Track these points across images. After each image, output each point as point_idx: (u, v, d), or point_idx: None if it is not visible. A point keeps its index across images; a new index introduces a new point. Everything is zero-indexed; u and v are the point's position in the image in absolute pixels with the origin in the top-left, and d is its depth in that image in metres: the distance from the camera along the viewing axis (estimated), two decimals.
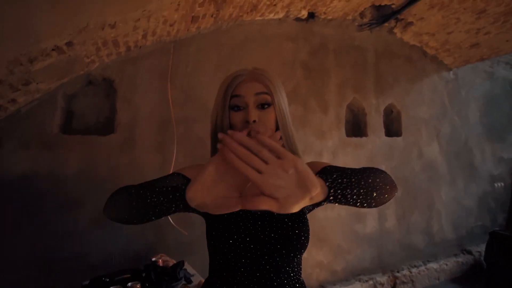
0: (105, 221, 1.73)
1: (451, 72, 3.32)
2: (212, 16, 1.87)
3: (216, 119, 0.75)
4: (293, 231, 0.68)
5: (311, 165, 0.73)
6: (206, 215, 0.75)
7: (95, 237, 1.72)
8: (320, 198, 0.51)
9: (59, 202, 1.66)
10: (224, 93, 0.73)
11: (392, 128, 2.99)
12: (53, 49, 1.26)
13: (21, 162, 1.60)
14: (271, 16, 2.22)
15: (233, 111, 0.72)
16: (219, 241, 0.68)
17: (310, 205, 0.73)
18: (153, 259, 1.56)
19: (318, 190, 0.45)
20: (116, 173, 1.80)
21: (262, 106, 0.71)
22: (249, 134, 0.66)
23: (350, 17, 2.54)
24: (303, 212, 0.72)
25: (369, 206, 0.61)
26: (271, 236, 0.68)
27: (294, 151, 0.76)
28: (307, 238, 0.69)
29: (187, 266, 1.62)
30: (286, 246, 0.67)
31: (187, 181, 0.68)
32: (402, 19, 2.63)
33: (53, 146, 1.68)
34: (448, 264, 2.95)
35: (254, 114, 0.69)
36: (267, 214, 0.70)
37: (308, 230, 0.71)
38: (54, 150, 1.68)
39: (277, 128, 0.74)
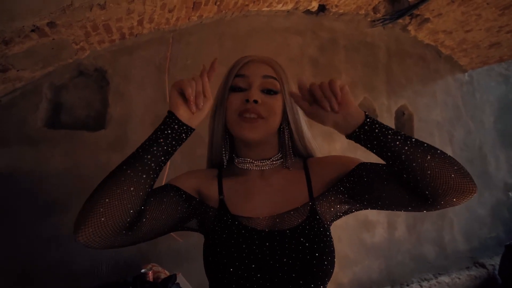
0: None
1: (466, 74, 3.16)
2: (215, 3, 1.71)
3: (216, 103, 0.63)
4: (312, 254, 0.52)
5: (337, 158, 0.66)
6: (206, 233, 0.61)
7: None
8: (353, 118, 0.49)
9: (41, 204, 1.50)
10: (228, 74, 0.62)
11: (404, 131, 2.81)
12: (32, 30, 1.10)
13: None
14: (279, 7, 2.06)
15: (233, 92, 0.60)
16: (217, 270, 0.52)
17: (343, 206, 0.62)
18: (143, 270, 1.39)
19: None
20: (105, 172, 1.61)
21: (269, 91, 0.60)
22: (243, 115, 0.58)
23: (362, 12, 2.38)
24: (324, 228, 0.56)
25: (422, 183, 0.45)
26: (283, 262, 0.51)
27: (307, 148, 0.67)
28: (331, 263, 0.53)
29: (180, 279, 1.46)
30: (303, 274, 0.51)
31: (186, 196, 0.60)
32: (418, 15, 2.47)
33: (35, 141, 1.52)
34: (460, 278, 2.77)
35: (256, 94, 0.58)
36: (277, 232, 0.54)
37: (333, 251, 0.55)
38: (36, 145, 1.52)
39: (282, 122, 0.63)
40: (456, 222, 2.94)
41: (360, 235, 2.42)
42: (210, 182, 0.64)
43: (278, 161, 0.64)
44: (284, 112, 0.62)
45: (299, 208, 0.58)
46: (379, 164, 0.55)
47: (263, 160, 0.63)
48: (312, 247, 0.52)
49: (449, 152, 2.91)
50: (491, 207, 3.20)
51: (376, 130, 0.48)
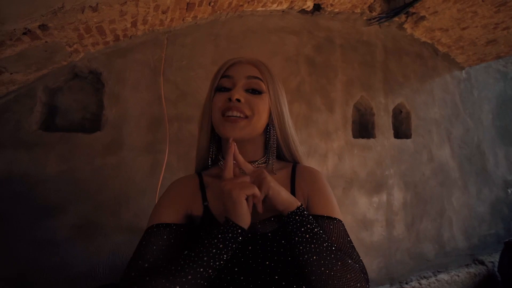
0: (89, 228, 1.57)
1: (464, 71, 3.15)
2: (209, 4, 1.71)
3: (204, 104, 0.65)
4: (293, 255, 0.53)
5: (323, 194, 0.64)
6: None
7: (77, 246, 1.55)
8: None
9: (36, 207, 1.50)
10: (215, 75, 0.63)
11: (401, 129, 2.81)
12: (24, 33, 1.09)
13: None
14: (274, 6, 2.06)
15: (219, 92, 0.61)
16: None
17: None
18: None
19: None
20: (101, 175, 1.63)
21: (253, 91, 0.61)
22: (225, 114, 0.58)
23: (358, 10, 2.37)
24: None
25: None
26: (266, 265, 0.52)
27: (292, 151, 0.66)
28: None
29: None
30: (286, 276, 0.52)
31: (176, 227, 0.57)
32: (414, 13, 2.46)
33: (31, 145, 1.52)
34: (459, 276, 2.77)
35: (239, 93, 0.59)
36: (260, 236, 0.55)
37: None
38: (32, 149, 1.52)
39: (269, 123, 0.64)
40: (455, 220, 2.94)
41: (359, 234, 2.42)
42: (194, 194, 0.63)
43: (263, 165, 0.64)
44: (270, 114, 0.62)
45: (279, 215, 0.58)
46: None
47: (249, 162, 0.62)
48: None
49: (447, 149, 2.92)
50: (490, 204, 3.19)
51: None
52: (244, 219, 0.49)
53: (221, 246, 0.47)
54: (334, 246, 0.51)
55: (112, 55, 1.72)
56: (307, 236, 0.50)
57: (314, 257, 0.48)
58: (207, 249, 0.47)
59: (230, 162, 0.53)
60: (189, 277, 0.45)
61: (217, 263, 0.47)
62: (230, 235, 0.48)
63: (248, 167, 0.55)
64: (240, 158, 0.54)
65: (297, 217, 0.51)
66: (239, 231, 0.48)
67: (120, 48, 1.72)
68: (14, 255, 1.44)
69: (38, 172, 1.52)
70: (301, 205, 0.53)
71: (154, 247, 0.53)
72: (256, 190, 0.50)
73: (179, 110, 1.85)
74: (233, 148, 0.53)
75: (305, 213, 0.53)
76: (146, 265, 0.50)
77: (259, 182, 0.51)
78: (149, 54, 1.81)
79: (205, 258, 0.46)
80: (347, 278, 0.48)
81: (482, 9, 2.18)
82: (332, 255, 0.49)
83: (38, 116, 1.56)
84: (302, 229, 0.50)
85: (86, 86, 1.77)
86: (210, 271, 0.46)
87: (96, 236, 1.58)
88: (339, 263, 0.49)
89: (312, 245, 0.49)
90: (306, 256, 0.49)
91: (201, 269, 0.46)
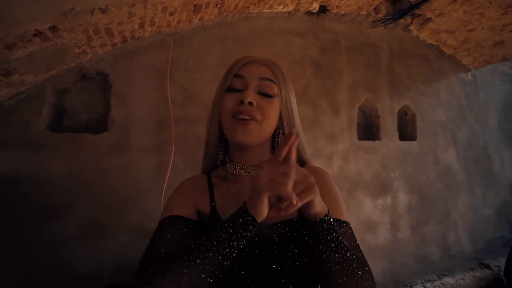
0: (94, 229, 1.58)
1: (470, 74, 3.13)
2: (216, 6, 1.71)
3: (213, 104, 0.63)
4: (301, 259, 0.53)
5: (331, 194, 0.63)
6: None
7: (83, 247, 1.56)
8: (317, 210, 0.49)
9: (42, 207, 1.51)
10: (226, 74, 0.61)
11: (406, 131, 2.80)
12: (34, 35, 1.11)
13: (2, 162, 1.45)
14: (280, 8, 2.06)
15: (229, 93, 0.59)
16: None
17: None
18: None
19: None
20: (107, 176, 1.64)
21: (265, 94, 0.59)
22: (236, 116, 0.56)
23: (364, 12, 2.37)
24: None
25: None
26: (273, 268, 0.52)
27: (300, 153, 0.66)
28: None
29: None
30: (293, 280, 0.52)
31: (190, 222, 0.57)
32: (420, 15, 2.45)
33: (38, 145, 1.53)
34: (465, 279, 2.74)
35: (252, 96, 0.57)
36: (266, 240, 0.55)
37: None
38: (39, 149, 1.53)
39: (278, 127, 0.62)
40: (460, 223, 2.91)
41: (363, 236, 2.41)
42: (202, 193, 0.62)
43: None
44: (280, 117, 0.61)
45: (285, 220, 0.57)
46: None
47: (255, 167, 0.61)
48: (301, 253, 0.53)
49: (452, 152, 2.90)
50: (496, 207, 3.16)
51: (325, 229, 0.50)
52: (259, 213, 0.46)
53: (231, 231, 0.46)
54: (354, 255, 0.50)
55: (119, 57, 1.73)
56: (333, 245, 0.48)
57: (338, 267, 0.47)
58: (217, 233, 0.47)
59: (284, 151, 0.44)
60: (198, 261, 0.45)
61: (227, 249, 0.45)
62: (240, 220, 0.46)
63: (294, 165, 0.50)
64: (294, 155, 0.46)
65: (324, 225, 0.49)
66: (250, 218, 0.46)
67: (127, 49, 1.73)
68: (20, 255, 1.45)
69: (45, 172, 1.53)
70: (328, 211, 0.51)
71: (168, 235, 0.53)
72: (289, 195, 0.42)
73: (185, 112, 1.85)
74: (294, 140, 0.44)
75: (331, 221, 0.50)
76: (162, 250, 0.51)
77: (305, 185, 0.45)
78: (156, 56, 1.82)
79: (214, 243, 0.46)
80: (365, 286, 0.48)
81: (489, 10, 2.17)
82: (354, 265, 0.49)
83: (46, 116, 1.58)
84: (328, 238, 0.48)
85: (93, 87, 1.78)
86: (219, 257, 0.45)
87: (102, 237, 1.59)
88: (360, 272, 0.48)
89: (337, 255, 0.48)
90: (328, 265, 0.48)
91: (210, 254, 0.45)
